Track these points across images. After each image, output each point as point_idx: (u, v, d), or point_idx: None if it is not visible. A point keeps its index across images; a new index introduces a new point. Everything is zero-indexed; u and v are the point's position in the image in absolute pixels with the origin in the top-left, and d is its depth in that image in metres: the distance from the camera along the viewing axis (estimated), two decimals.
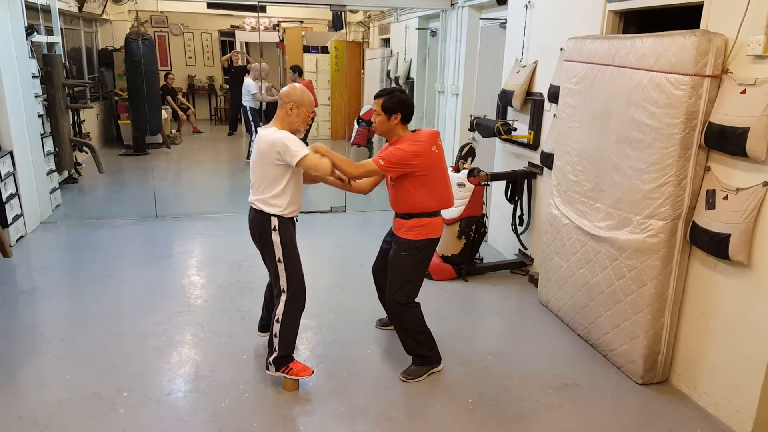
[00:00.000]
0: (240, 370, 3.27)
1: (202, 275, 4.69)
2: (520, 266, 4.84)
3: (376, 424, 2.86)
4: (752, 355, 2.72)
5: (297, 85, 3.02)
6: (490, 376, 3.30)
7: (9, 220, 5.01)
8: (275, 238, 2.95)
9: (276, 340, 3.00)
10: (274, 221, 2.94)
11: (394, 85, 8.60)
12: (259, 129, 3.00)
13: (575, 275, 3.69)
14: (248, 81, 8.62)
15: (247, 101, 8.67)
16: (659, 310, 3.10)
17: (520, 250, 4.93)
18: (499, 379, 3.28)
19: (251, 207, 3.05)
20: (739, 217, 2.68)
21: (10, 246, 4.88)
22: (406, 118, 3.10)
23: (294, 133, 2.93)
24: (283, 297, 2.99)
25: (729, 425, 2.87)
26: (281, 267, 2.97)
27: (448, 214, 4.59)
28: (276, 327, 2.99)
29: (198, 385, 3.12)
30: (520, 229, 4.84)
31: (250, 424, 2.81)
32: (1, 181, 4.90)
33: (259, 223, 2.99)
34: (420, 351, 3.25)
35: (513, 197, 4.78)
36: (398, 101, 3.05)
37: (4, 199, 4.94)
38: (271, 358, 3.04)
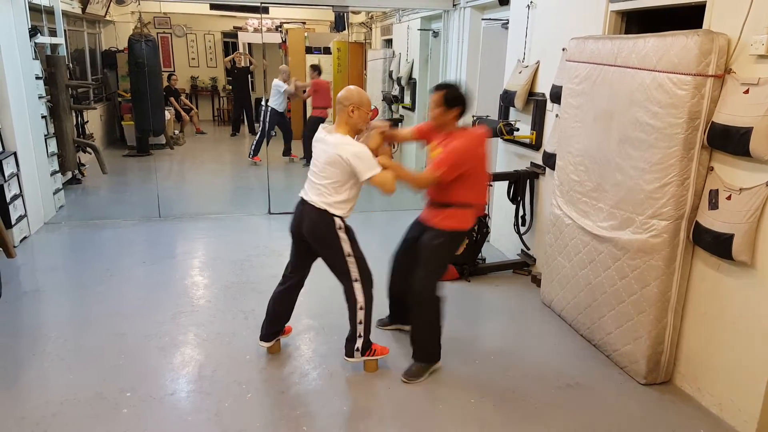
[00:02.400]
0: (243, 370, 3.28)
1: (205, 275, 4.69)
2: (523, 266, 4.83)
3: (378, 424, 2.86)
4: (756, 356, 2.71)
5: (352, 87, 3.11)
6: (493, 377, 3.30)
7: (13, 221, 5.03)
8: (342, 236, 3.06)
9: (362, 327, 3.17)
10: (338, 221, 3.04)
11: (396, 86, 8.60)
12: (322, 132, 3.08)
13: (578, 275, 3.68)
14: (278, 81, 8.80)
15: (275, 103, 8.79)
16: (662, 311, 3.09)
17: (522, 250, 4.93)
18: (502, 379, 3.28)
19: (308, 205, 3.06)
20: (743, 217, 2.67)
21: (14, 247, 4.89)
22: (462, 114, 3.15)
23: (357, 132, 3.07)
24: (358, 285, 3.13)
25: (733, 425, 2.86)
26: (351, 260, 3.09)
27: None
28: (361, 314, 3.15)
29: (201, 385, 3.12)
30: (522, 230, 4.84)
31: (253, 424, 2.82)
32: (5, 181, 4.91)
33: (323, 223, 3.05)
34: (429, 346, 3.27)
35: (515, 197, 4.78)
36: (460, 96, 3.10)
37: (8, 199, 4.95)
38: (359, 344, 3.20)
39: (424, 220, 3.31)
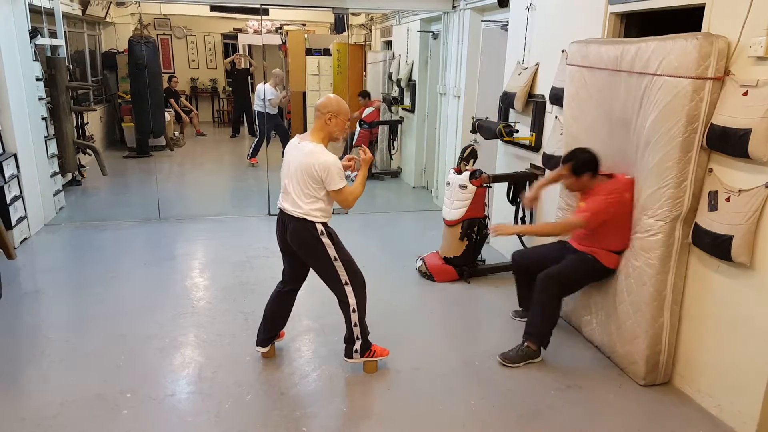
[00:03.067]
0: (243, 371, 3.28)
1: (205, 277, 4.70)
2: None
3: (378, 425, 2.87)
4: (755, 357, 2.72)
5: (332, 95, 3.11)
6: (492, 378, 3.30)
7: (13, 222, 5.03)
8: (326, 240, 3.06)
9: (357, 329, 3.18)
10: (320, 227, 3.04)
11: (396, 87, 8.59)
12: (296, 140, 3.09)
13: None
14: (268, 87, 8.72)
15: (260, 107, 8.75)
16: (658, 309, 3.09)
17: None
18: (502, 380, 3.28)
19: (287, 215, 3.07)
20: (742, 218, 2.68)
21: (14, 248, 4.89)
22: (596, 173, 3.33)
23: (333, 141, 3.09)
24: (349, 288, 3.12)
25: (732, 427, 2.86)
26: (338, 264, 3.09)
27: (450, 215, 4.60)
28: (354, 316, 3.15)
29: (201, 387, 3.13)
30: None
31: (253, 425, 2.82)
32: (5, 183, 4.92)
33: (303, 231, 3.05)
34: (546, 333, 3.42)
35: (515, 199, 4.78)
36: (583, 163, 3.29)
37: (8, 201, 4.96)
38: (357, 346, 3.22)
39: (574, 245, 3.49)
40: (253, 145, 8.96)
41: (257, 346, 3.40)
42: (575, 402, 3.09)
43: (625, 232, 3.27)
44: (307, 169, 2.95)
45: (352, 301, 3.13)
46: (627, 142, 3.27)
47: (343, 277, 3.11)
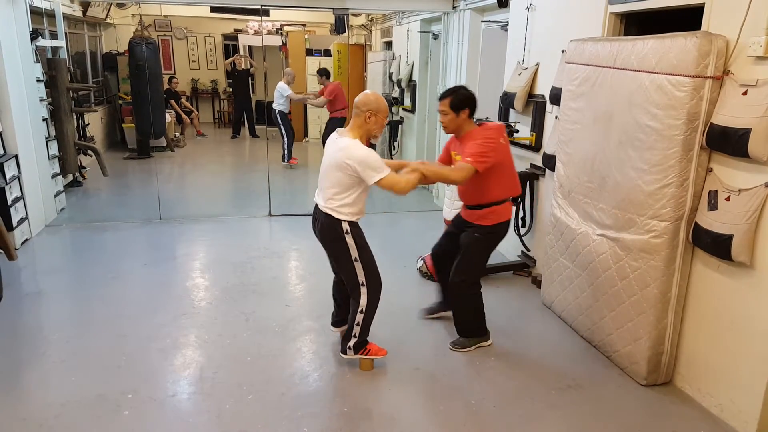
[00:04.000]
0: (244, 371, 3.28)
1: (206, 277, 4.70)
2: (523, 268, 4.84)
3: (379, 425, 2.87)
4: (756, 356, 2.72)
5: (369, 91, 3.14)
6: (493, 378, 3.30)
7: (14, 223, 5.04)
8: (349, 240, 3.08)
9: (358, 328, 3.21)
10: (345, 225, 3.06)
11: (396, 88, 8.61)
12: (335, 135, 3.11)
13: (579, 276, 3.69)
14: (282, 85, 8.77)
15: (280, 105, 8.78)
16: (662, 311, 3.10)
17: (522, 251, 4.93)
18: (503, 380, 3.28)
19: (318, 209, 3.12)
20: (742, 217, 2.68)
21: (15, 249, 4.90)
22: (473, 112, 3.29)
23: (371, 139, 3.09)
24: (364, 290, 3.15)
25: (733, 426, 2.86)
26: (358, 266, 3.11)
27: (451, 215, 4.60)
28: (359, 317, 3.18)
29: (202, 387, 3.13)
30: (522, 231, 4.84)
31: (254, 425, 2.83)
32: (6, 184, 4.93)
33: (330, 227, 3.08)
34: (472, 325, 3.50)
35: (515, 199, 4.78)
36: (464, 97, 3.25)
37: (9, 202, 4.97)
38: (351, 343, 3.24)
39: (464, 217, 3.47)
40: (286, 148, 8.91)
41: (332, 326, 3.60)
42: (576, 402, 3.10)
43: (509, 179, 3.34)
44: (338, 164, 2.96)
45: (363, 301, 3.15)
46: (609, 135, 3.31)
47: (361, 278, 3.13)
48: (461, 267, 3.41)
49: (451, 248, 3.55)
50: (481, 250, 3.44)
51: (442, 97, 3.30)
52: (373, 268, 3.17)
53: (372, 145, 3.15)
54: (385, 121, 3.10)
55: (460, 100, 3.23)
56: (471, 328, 3.55)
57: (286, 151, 8.92)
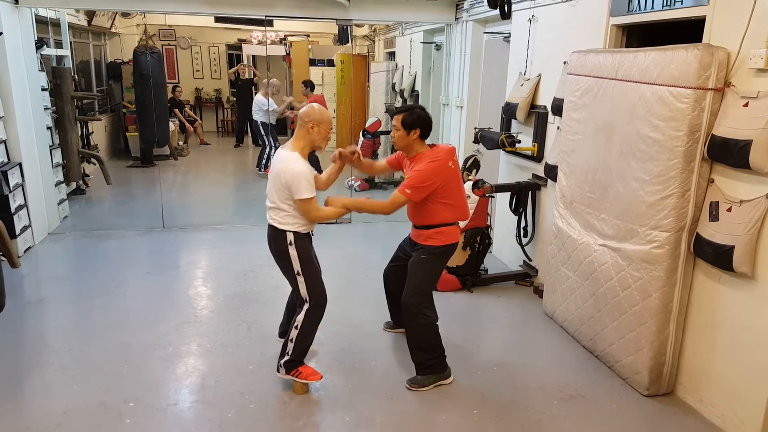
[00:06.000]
0: (246, 380, 3.28)
1: (209, 286, 4.71)
2: (525, 277, 4.84)
3: None
4: (759, 367, 2.71)
5: (315, 104, 3.14)
6: (495, 388, 3.30)
7: (17, 231, 5.06)
8: (292, 252, 3.03)
9: (291, 345, 3.09)
10: (290, 236, 3.02)
11: (399, 98, 8.65)
12: (279, 148, 3.11)
13: (581, 286, 3.69)
14: (259, 97, 8.78)
15: (257, 116, 8.79)
16: (664, 322, 3.10)
17: (524, 261, 4.94)
18: (504, 390, 3.28)
19: (269, 221, 3.11)
20: (743, 228, 2.69)
21: (18, 257, 4.92)
22: (425, 134, 3.22)
23: (315, 150, 3.09)
24: (306, 306, 3.08)
25: None
26: (301, 279, 3.06)
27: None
28: (294, 332, 3.08)
29: (204, 396, 3.13)
30: (524, 241, 4.85)
31: None
32: (10, 192, 4.95)
33: (275, 238, 3.07)
34: (425, 360, 3.27)
35: (517, 209, 4.80)
36: (417, 117, 3.19)
37: (13, 210, 4.99)
38: (282, 361, 3.13)
39: (413, 237, 3.40)
40: (266, 156, 8.87)
41: (279, 337, 3.54)
42: (578, 412, 3.09)
43: (457, 201, 3.23)
44: (276, 176, 2.96)
45: (299, 318, 3.07)
46: (610, 146, 3.31)
47: (303, 293, 3.07)
48: (410, 289, 3.26)
49: (400, 269, 3.45)
50: (428, 270, 3.28)
51: (398, 112, 3.24)
52: (316, 284, 3.08)
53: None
54: (328, 133, 3.09)
55: (414, 119, 3.16)
56: (428, 365, 3.28)
57: (264, 160, 8.87)
